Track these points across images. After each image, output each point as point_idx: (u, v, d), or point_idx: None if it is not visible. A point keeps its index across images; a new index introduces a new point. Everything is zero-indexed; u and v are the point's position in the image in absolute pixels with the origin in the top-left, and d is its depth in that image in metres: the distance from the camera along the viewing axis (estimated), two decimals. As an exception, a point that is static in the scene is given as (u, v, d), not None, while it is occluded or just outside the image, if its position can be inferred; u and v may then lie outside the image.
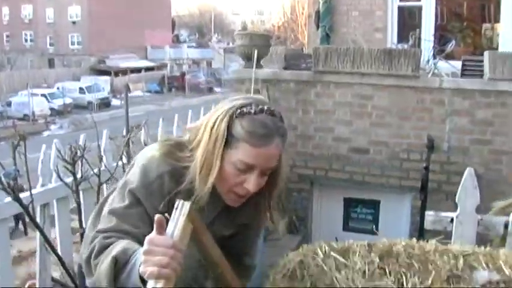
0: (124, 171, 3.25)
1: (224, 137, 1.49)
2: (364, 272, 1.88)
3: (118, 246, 1.42)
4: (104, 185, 3.26)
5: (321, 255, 1.99)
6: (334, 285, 1.81)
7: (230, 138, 1.49)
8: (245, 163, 1.49)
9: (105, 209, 1.60)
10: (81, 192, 3.17)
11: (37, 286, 2.90)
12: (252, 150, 1.48)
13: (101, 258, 1.45)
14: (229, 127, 1.49)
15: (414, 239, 2.12)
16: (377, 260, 1.95)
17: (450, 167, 4.85)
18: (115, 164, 3.29)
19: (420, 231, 2.15)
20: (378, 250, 2.02)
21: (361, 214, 5.09)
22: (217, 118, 1.52)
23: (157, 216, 1.28)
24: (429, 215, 2.75)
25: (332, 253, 2.01)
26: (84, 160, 3.07)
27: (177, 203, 1.35)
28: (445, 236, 2.55)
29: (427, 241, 2.13)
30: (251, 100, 1.54)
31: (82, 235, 2.98)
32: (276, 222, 1.73)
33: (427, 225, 2.73)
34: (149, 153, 1.60)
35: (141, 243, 1.32)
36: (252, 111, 1.50)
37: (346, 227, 5.00)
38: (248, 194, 1.56)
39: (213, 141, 1.50)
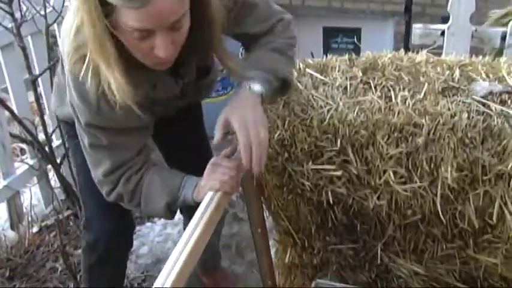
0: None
1: (98, 8, 1.12)
2: (346, 88, 1.59)
3: (160, 190, 1.40)
4: (55, 27, 2.86)
5: (295, 74, 1.68)
6: (311, 104, 1.52)
7: (105, 5, 1.12)
8: (136, 29, 1.15)
9: (84, 143, 1.42)
10: (29, 37, 2.77)
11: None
12: (134, 13, 1.12)
13: (141, 200, 1.43)
14: None
15: (402, 51, 1.81)
16: (360, 74, 1.65)
17: (435, -13, 4.43)
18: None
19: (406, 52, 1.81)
20: (360, 64, 1.72)
21: (341, 44, 4.72)
22: None
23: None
24: (417, 27, 2.41)
25: (308, 70, 1.71)
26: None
27: None
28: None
29: (417, 52, 1.81)
30: None
31: (33, 82, 2.64)
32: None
33: (415, 39, 2.40)
34: (71, 70, 1.31)
35: (140, 150, 1.43)
36: None
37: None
38: (168, 56, 1.23)
39: (89, 17, 1.13)
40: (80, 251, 2.46)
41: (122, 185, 1.42)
